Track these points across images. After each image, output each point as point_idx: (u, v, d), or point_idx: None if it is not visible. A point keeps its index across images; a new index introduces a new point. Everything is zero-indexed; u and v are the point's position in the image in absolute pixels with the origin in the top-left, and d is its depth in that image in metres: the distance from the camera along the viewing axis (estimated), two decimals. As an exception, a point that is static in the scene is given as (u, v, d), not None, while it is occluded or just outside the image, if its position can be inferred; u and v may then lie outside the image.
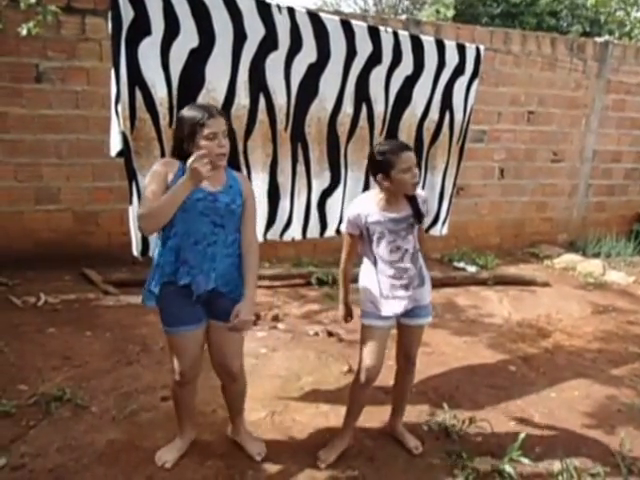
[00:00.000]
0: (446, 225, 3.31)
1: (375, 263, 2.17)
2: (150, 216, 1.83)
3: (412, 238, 2.17)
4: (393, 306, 2.16)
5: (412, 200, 2.13)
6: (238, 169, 2.40)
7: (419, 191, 2.20)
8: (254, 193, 2.10)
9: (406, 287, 2.15)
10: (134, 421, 2.45)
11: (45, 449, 2.22)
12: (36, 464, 2.14)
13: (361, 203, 2.18)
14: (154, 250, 2.31)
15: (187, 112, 1.89)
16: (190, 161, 1.75)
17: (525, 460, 2.25)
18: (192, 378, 2.12)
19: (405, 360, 2.32)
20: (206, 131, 1.84)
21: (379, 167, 2.06)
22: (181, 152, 1.91)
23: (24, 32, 3.56)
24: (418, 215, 2.14)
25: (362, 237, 2.20)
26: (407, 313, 2.20)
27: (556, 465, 2.27)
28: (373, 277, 2.18)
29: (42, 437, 2.30)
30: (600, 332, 3.87)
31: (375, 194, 2.17)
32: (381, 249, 2.14)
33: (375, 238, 2.14)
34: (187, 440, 2.27)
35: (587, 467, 2.28)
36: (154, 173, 1.91)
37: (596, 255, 5.86)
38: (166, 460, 2.17)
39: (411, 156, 2.05)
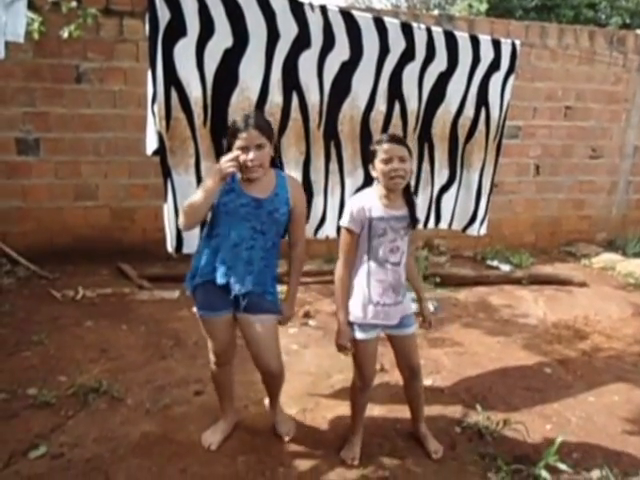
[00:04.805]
0: (484, 225, 3.23)
1: (368, 265, 2.06)
2: (186, 213, 1.96)
3: (407, 240, 2.09)
4: (383, 315, 2.07)
5: (409, 200, 2.07)
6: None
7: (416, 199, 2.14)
8: (304, 199, 2.19)
9: (398, 294, 2.08)
10: (167, 414, 2.50)
11: (82, 439, 2.29)
12: (74, 454, 2.21)
13: (364, 196, 2.08)
14: (192, 247, 2.36)
15: (237, 118, 2.03)
16: (222, 160, 1.93)
17: (562, 466, 2.18)
18: (227, 360, 2.23)
19: (409, 371, 2.24)
20: (238, 143, 1.97)
21: (371, 157, 2.06)
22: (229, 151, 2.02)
23: (65, 35, 3.68)
24: (413, 217, 2.06)
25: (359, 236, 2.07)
26: (393, 325, 2.12)
27: (595, 473, 2.20)
28: (363, 281, 2.06)
29: (80, 427, 2.38)
30: (641, 335, 3.74)
31: (376, 189, 2.07)
32: (382, 249, 2.04)
33: (377, 236, 2.03)
34: (231, 422, 2.36)
35: (628, 475, 2.20)
36: (203, 184, 2.03)
37: (637, 255, 5.64)
38: (211, 442, 2.27)
39: (395, 148, 1.97)
